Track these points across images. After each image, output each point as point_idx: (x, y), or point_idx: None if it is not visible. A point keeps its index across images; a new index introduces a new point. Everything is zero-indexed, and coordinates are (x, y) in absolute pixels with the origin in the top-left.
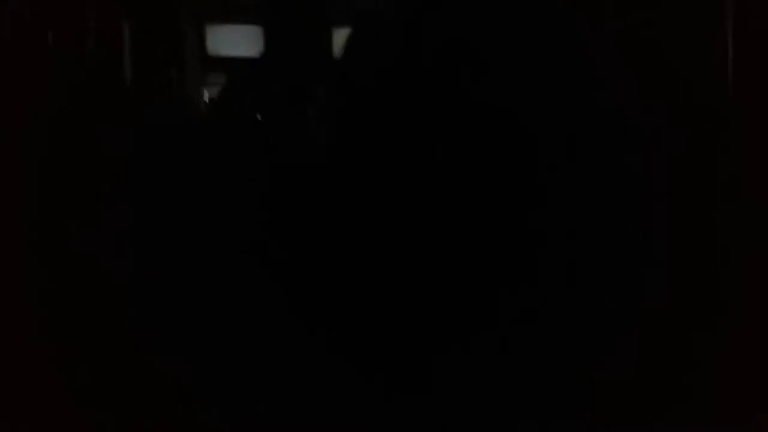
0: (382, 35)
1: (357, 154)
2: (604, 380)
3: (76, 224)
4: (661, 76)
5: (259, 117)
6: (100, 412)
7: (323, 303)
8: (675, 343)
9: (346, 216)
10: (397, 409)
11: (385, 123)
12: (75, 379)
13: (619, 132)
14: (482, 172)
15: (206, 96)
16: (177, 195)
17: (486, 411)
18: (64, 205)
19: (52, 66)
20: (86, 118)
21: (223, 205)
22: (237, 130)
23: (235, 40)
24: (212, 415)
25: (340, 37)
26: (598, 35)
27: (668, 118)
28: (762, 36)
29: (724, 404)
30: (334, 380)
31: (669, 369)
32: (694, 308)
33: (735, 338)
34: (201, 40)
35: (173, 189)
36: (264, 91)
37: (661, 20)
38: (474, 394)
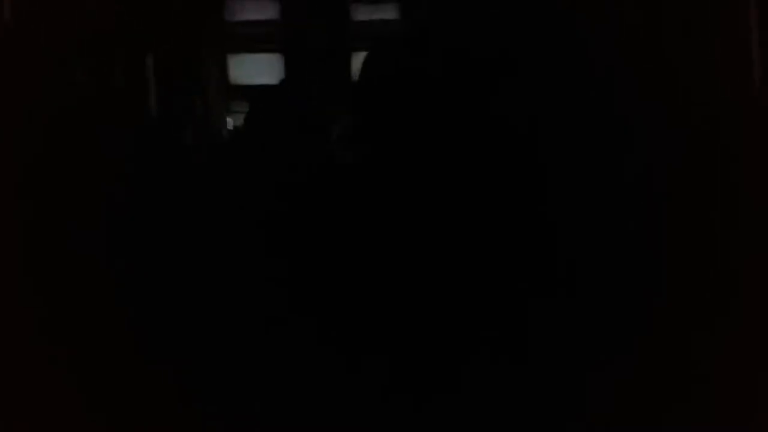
0: (398, 59)
1: (379, 177)
2: (604, 381)
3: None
4: (663, 76)
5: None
6: (100, 412)
7: (328, 307)
8: (675, 343)
9: (367, 227)
10: (397, 410)
11: (406, 141)
12: (75, 379)
13: (619, 133)
14: (494, 177)
15: (230, 123)
16: (197, 211)
17: (486, 411)
18: (87, 224)
19: (81, 97)
20: (113, 146)
21: (244, 222)
22: (261, 155)
23: (257, 69)
24: (212, 414)
25: (358, 62)
26: (600, 37)
27: (668, 118)
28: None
29: (724, 404)
30: (334, 381)
31: (669, 369)
32: (694, 308)
33: (735, 338)
34: (223, 70)
35: (193, 205)
36: (286, 116)
37: (664, 21)
38: (473, 393)
